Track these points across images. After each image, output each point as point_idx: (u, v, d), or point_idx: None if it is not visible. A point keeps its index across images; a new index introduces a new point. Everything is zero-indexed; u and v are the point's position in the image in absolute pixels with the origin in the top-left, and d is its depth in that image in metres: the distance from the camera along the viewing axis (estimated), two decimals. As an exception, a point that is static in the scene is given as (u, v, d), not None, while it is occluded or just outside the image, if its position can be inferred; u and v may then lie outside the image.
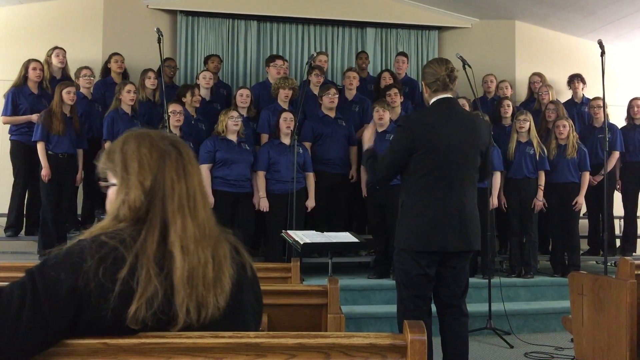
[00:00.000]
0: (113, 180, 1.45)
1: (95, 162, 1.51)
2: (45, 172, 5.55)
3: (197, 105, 6.11)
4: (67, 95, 5.63)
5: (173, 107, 5.50)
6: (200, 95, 6.18)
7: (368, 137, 3.57)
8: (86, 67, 6.25)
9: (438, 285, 3.32)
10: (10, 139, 6.00)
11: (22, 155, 5.89)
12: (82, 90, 6.18)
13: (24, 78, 5.95)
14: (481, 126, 3.39)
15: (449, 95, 3.33)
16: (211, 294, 1.37)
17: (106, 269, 1.29)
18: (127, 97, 5.79)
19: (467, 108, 6.06)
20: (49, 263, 1.31)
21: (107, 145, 5.63)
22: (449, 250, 3.21)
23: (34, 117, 5.80)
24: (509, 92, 7.05)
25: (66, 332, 1.29)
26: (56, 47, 6.30)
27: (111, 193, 1.46)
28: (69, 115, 5.71)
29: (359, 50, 7.85)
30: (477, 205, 3.35)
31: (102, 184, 1.48)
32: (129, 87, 5.83)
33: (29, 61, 5.98)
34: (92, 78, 6.28)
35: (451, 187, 3.21)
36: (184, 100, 5.95)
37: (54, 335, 1.27)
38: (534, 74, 7.38)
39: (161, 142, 1.45)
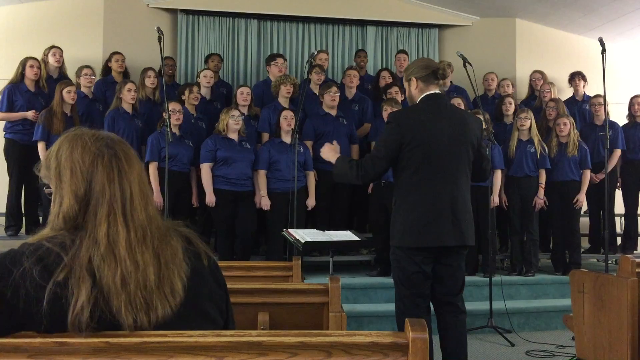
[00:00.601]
0: (53, 188, 1.43)
1: (35, 171, 1.48)
2: (46, 171, 5.55)
3: (196, 102, 6.10)
4: (68, 94, 5.63)
5: (173, 106, 5.50)
6: (198, 93, 6.17)
7: (331, 154, 3.48)
8: (87, 66, 6.24)
9: (434, 283, 3.32)
10: (4, 137, 6.00)
11: (17, 154, 5.88)
12: (83, 89, 6.18)
13: (21, 75, 5.95)
14: (471, 122, 3.37)
15: (437, 91, 3.32)
16: (156, 296, 1.34)
17: (43, 268, 1.29)
18: (127, 96, 5.79)
19: (462, 107, 6.05)
20: None
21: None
22: (443, 245, 3.20)
23: (29, 114, 5.80)
24: (510, 91, 7.05)
25: None
26: (53, 46, 6.30)
27: (53, 200, 1.44)
28: (70, 114, 5.71)
29: (360, 48, 7.85)
30: (471, 201, 3.34)
31: (47, 190, 1.46)
32: (129, 86, 5.83)
33: (27, 59, 5.98)
34: (93, 77, 6.28)
35: (442, 182, 3.20)
36: (183, 98, 5.94)
37: None
38: (535, 71, 7.37)
39: (95, 144, 1.40)
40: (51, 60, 6.28)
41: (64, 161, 1.39)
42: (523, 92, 7.71)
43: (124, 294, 1.31)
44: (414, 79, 3.34)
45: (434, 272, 3.29)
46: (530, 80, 7.40)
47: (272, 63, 6.60)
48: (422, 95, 3.32)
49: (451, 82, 7.07)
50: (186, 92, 5.99)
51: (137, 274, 1.33)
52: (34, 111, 5.80)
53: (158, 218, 1.44)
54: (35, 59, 6.02)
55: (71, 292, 1.28)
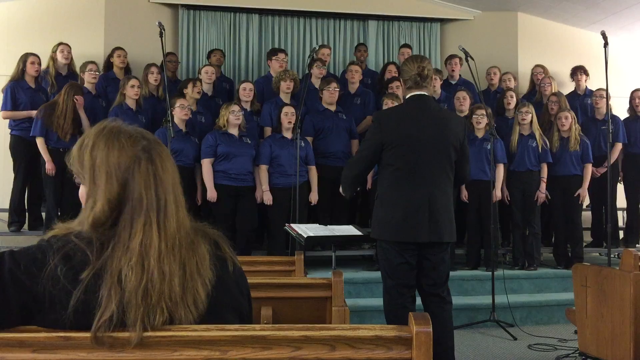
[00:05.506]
0: (85, 187, 1.43)
1: (66, 161, 1.45)
2: (50, 165, 5.56)
3: (198, 97, 6.07)
4: (76, 101, 5.63)
5: (181, 102, 5.52)
6: (201, 88, 6.14)
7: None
8: (92, 62, 6.20)
9: (419, 275, 3.45)
10: (10, 134, 6.00)
11: (23, 151, 5.88)
12: (86, 85, 6.14)
13: (21, 72, 5.93)
14: (453, 122, 3.52)
15: (423, 92, 3.48)
16: (180, 306, 1.34)
17: (69, 269, 1.30)
18: (131, 92, 5.78)
19: (467, 100, 6.04)
20: (18, 253, 1.33)
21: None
22: (419, 241, 3.34)
23: (35, 114, 5.79)
24: (512, 85, 7.02)
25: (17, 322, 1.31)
26: (61, 43, 6.27)
27: (82, 192, 1.43)
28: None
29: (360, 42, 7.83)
30: (452, 198, 3.50)
31: (77, 180, 1.45)
32: (132, 82, 5.82)
33: (27, 55, 5.95)
34: (97, 73, 6.23)
35: (422, 181, 3.35)
36: (185, 92, 5.93)
37: (9, 318, 1.30)
38: (537, 65, 7.32)
39: (133, 147, 1.39)
40: (59, 57, 6.25)
41: (99, 163, 1.37)
42: (524, 86, 7.67)
43: (142, 306, 1.30)
44: (401, 80, 3.55)
45: (419, 265, 3.42)
46: (532, 74, 7.36)
47: (274, 58, 6.59)
48: (408, 96, 3.51)
49: (460, 75, 7.02)
50: (189, 86, 5.97)
51: (163, 285, 1.32)
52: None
53: (187, 222, 1.43)
54: (36, 55, 6.00)
55: (99, 300, 1.29)
